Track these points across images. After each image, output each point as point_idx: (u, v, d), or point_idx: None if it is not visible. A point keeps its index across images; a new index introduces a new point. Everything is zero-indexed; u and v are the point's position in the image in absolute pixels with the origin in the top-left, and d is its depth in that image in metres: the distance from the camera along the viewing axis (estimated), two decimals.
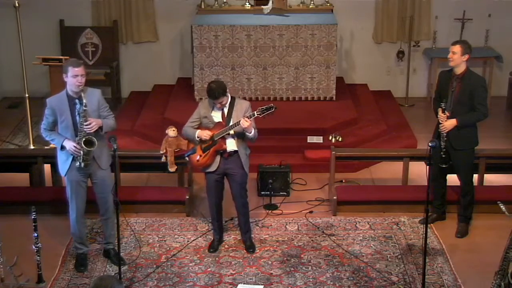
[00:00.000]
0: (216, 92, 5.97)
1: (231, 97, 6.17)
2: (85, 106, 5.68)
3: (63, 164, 5.92)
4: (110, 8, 10.18)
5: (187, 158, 6.37)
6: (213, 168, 6.18)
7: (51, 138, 5.93)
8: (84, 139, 5.72)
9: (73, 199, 5.98)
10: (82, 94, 5.69)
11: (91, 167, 5.89)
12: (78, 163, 5.80)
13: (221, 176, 6.25)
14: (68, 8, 10.09)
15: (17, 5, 8.23)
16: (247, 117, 5.94)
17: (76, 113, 5.74)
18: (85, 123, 5.71)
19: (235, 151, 6.15)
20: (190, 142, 6.39)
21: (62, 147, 5.83)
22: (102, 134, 5.84)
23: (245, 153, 6.21)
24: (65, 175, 5.96)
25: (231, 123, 6.06)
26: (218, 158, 6.16)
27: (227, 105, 6.11)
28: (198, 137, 6.14)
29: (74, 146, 5.76)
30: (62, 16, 10.09)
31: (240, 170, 6.19)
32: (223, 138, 6.10)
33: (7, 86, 10.40)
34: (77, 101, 5.71)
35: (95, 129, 5.75)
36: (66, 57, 8.30)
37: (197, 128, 6.17)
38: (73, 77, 5.68)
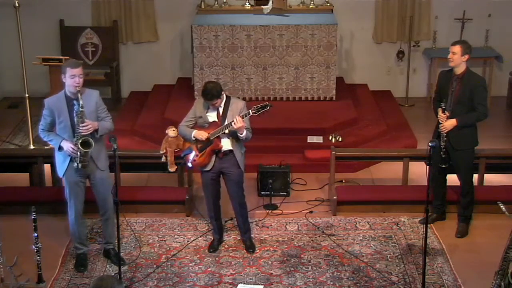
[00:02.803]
0: (209, 94, 5.94)
1: (227, 96, 6.14)
2: (82, 107, 5.67)
3: (61, 165, 5.91)
4: (110, 8, 10.17)
5: (183, 158, 6.34)
6: (208, 167, 6.17)
7: (49, 138, 5.90)
8: (81, 141, 5.70)
9: (71, 200, 5.98)
10: (79, 95, 5.68)
11: (89, 168, 5.88)
12: (76, 164, 5.79)
13: (217, 174, 6.23)
14: (68, 8, 10.09)
15: (17, 5, 8.23)
16: (242, 116, 5.93)
17: (74, 114, 5.73)
18: (81, 124, 5.70)
19: (230, 151, 6.14)
20: (186, 141, 6.36)
21: (60, 148, 5.82)
22: (97, 137, 5.82)
23: (241, 152, 6.18)
24: (63, 176, 5.95)
25: (226, 123, 6.03)
26: (214, 157, 6.15)
27: (222, 104, 6.09)
28: (194, 137, 6.12)
29: (72, 147, 5.75)
30: (62, 16, 10.09)
31: (236, 169, 6.17)
32: (219, 138, 6.09)
33: (7, 86, 10.40)
34: (75, 102, 5.70)
35: (90, 131, 5.73)
36: (66, 57, 8.30)
37: (193, 127, 6.16)
38: (71, 77, 5.67)
